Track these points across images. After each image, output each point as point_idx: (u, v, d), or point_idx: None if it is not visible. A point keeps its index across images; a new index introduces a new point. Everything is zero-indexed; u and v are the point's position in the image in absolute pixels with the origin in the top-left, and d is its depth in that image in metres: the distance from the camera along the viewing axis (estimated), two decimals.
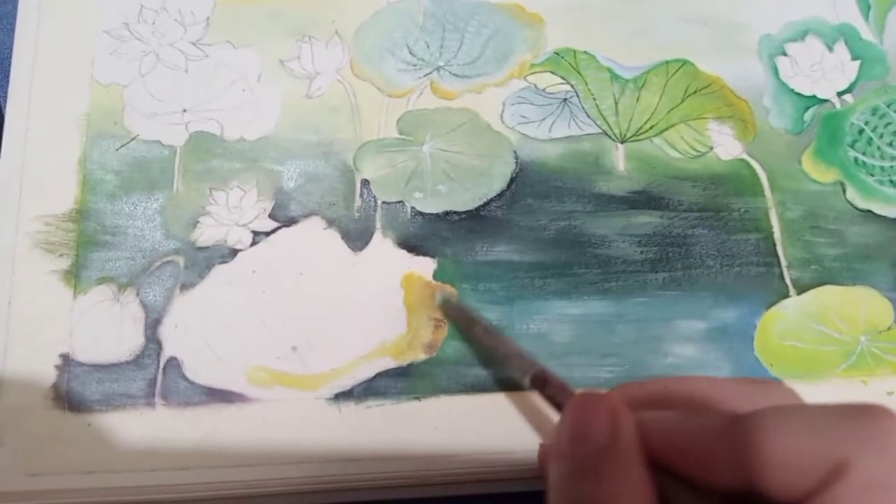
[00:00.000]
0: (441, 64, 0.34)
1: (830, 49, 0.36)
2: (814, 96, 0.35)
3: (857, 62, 0.36)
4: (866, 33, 0.36)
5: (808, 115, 0.34)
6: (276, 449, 0.28)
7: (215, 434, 0.28)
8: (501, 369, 0.29)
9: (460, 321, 0.29)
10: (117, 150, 0.31)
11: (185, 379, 0.29)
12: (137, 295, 0.29)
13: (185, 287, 0.30)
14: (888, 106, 0.35)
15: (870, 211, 0.33)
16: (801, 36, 0.36)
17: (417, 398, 0.29)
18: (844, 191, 0.33)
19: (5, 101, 0.32)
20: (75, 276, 0.30)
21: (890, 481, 0.16)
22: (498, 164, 0.32)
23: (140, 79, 0.32)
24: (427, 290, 0.30)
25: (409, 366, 0.30)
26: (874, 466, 0.16)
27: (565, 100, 0.34)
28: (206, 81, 0.32)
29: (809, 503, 0.16)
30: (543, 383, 0.24)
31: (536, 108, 0.33)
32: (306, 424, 0.28)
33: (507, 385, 0.29)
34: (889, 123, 0.35)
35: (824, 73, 0.35)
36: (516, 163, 0.32)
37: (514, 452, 0.28)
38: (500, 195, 0.32)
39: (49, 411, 0.28)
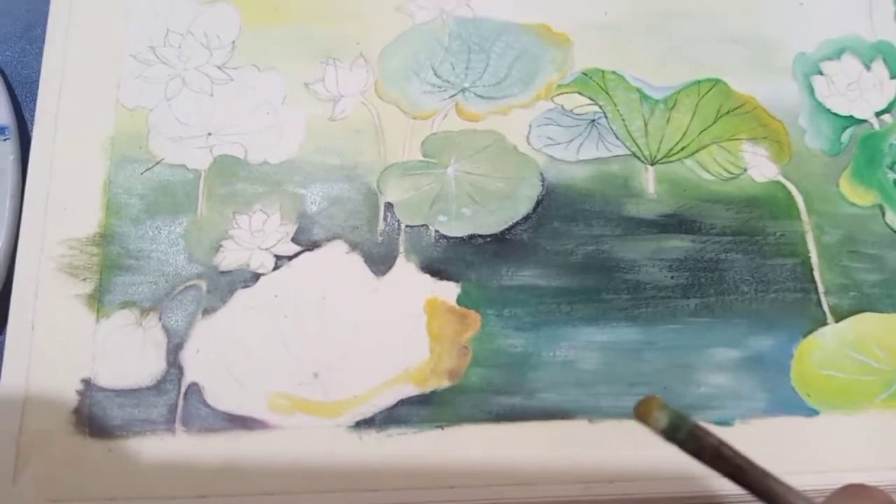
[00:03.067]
0: (466, 85, 0.33)
1: (868, 67, 0.35)
2: (851, 116, 0.34)
3: None
4: None
5: (845, 136, 0.34)
6: (296, 477, 0.28)
7: (235, 461, 0.28)
8: None
9: (715, 465, 0.20)
10: (142, 173, 0.31)
11: (206, 405, 0.29)
12: (160, 319, 0.30)
13: (207, 312, 0.30)
14: None
15: None
16: (838, 54, 0.35)
17: (440, 427, 0.29)
18: (884, 214, 0.32)
19: (32, 124, 0.33)
20: (98, 301, 0.30)
21: None
22: (524, 186, 0.32)
23: (165, 102, 0.33)
24: (454, 314, 0.30)
25: (432, 393, 0.29)
26: None
27: (593, 121, 0.33)
28: (230, 105, 0.33)
29: None
30: None
31: (564, 130, 0.33)
32: (327, 453, 0.28)
33: (533, 415, 0.29)
34: None
35: (862, 92, 0.34)
36: (543, 185, 0.32)
37: (540, 484, 0.27)
38: (527, 218, 0.32)
39: (70, 437, 0.28)
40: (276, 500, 0.27)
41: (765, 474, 0.19)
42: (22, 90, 0.36)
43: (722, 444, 0.19)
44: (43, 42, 0.35)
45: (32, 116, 0.35)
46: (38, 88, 0.35)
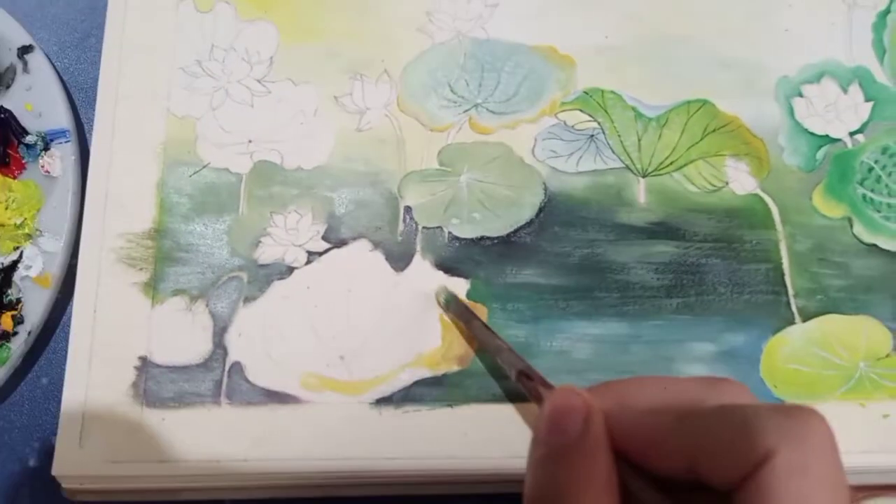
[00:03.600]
0: (479, 101, 0.37)
1: (845, 91, 0.38)
2: (827, 136, 0.37)
3: (871, 103, 0.37)
4: (881, 76, 0.38)
5: (820, 154, 0.37)
6: (324, 446, 0.31)
7: (272, 430, 0.31)
8: (493, 360, 0.32)
9: (459, 317, 0.32)
10: (190, 176, 0.35)
11: (247, 381, 0.32)
12: (207, 306, 0.33)
13: (247, 300, 0.33)
14: None
15: (875, 245, 0.35)
16: (818, 78, 0.38)
17: (450, 405, 0.32)
18: (852, 226, 0.36)
19: (91, 130, 0.36)
20: (153, 288, 0.33)
21: (807, 466, 0.18)
22: (528, 194, 0.35)
23: (211, 112, 0.36)
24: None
25: (444, 376, 0.33)
26: (794, 455, 0.18)
27: (592, 136, 0.36)
28: (269, 115, 0.36)
29: (742, 486, 0.19)
30: (527, 378, 0.27)
31: (565, 144, 0.36)
32: (350, 425, 0.32)
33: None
34: None
35: (838, 113, 0.37)
36: (545, 194, 0.35)
37: None
38: (530, 223, 0.35)
39: (129, 407, 0.32)
40: (306, 464, 0.31)
41: (485, 327, 0.31)
42: (77, 95, 0.39)
43: (468, 309, 0.32)
44: (96, 51, 0.38)
45: (87, 119, 0.39)
46: (91, 93, 0.38)
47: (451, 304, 0.33)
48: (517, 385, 0.28)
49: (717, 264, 0.35)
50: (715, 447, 0.19)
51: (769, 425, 0.19)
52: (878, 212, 0.36)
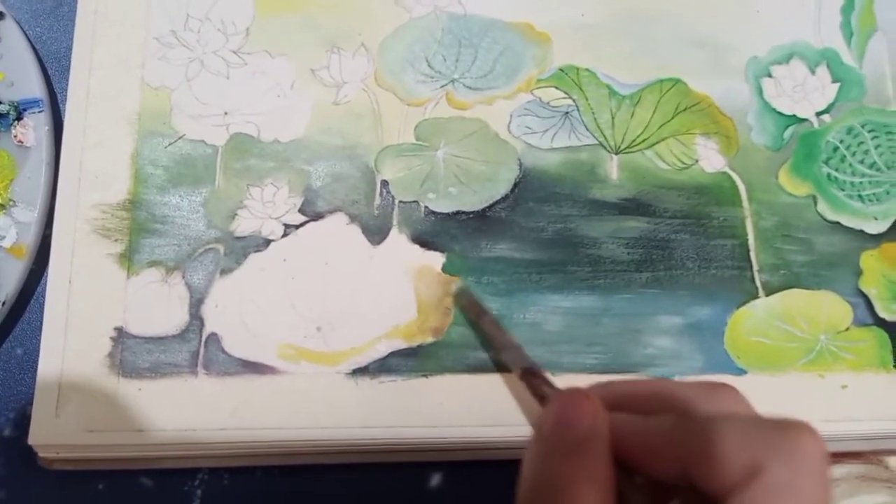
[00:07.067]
0: (456, 77, 0.37)
1: (813, 72, 0.39)
2: (794, 116, 0.38)
3: (837, 84, 0.39)
4: (847, 58, 0.39)
5: (787, 133, 0.38)
6: (301, 415, 0.32)
7: (249, 400, 0.32)
8: (498, 356, 0.33)
9: (470, 310, 0.33)
10: (166, 147, 0.35)
11: (224, 352, 0.32)
12: (183, 277, 0.33)
13: (224, 272, 0.34)
14: (862, 126, 0.38)
15: (838, 222, 0.36)
16: (787, 59, 0.39)
17: (425, 376, 0.33)
18: (816, 203, 0.37)
19: (64, 100, 0.36)
20: (128, 259, 0.33)
21: (793, 486, 0.19)
22: (504, 170, 0.36)
23: (186, 83, 0.36)
24: (439, 279, 0.34)
25: (419, 347, 0.33)
26: (782, 472, 0.19)
27: (567, 113, 0.37)
28: (245, 87, 0.36)
29: (730, 497, 0.19)
30: (532, 376, 0.28)
31: (540, 120, 0.37)
32: (327, 395, 0.32)
33: (504, 367, 0.33)
34: (862, 142, 0.38)
35: (805, 94, 0.38)
36: (520, 169, 0.36)
37: (505, 426, 0.32)
38: (505, 198, 0.35)
39: (105, 377, 0.32)
40: (283, 433, 0.31)
41: (495, 323, 0.31)
42: (50, 64, 0.39)
43: (480, 303, 0.33)
44: (69, 19, 0.38)
45: (61, 89, 0.38)
46: (65, 62, 0.38)
47: (464, 297, 0.33)
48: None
49: (685, 240, 0.36)
50: (707, 456, 0.20)
51: (760, 439, 0.20)
52: (842, 190, 0.37)
